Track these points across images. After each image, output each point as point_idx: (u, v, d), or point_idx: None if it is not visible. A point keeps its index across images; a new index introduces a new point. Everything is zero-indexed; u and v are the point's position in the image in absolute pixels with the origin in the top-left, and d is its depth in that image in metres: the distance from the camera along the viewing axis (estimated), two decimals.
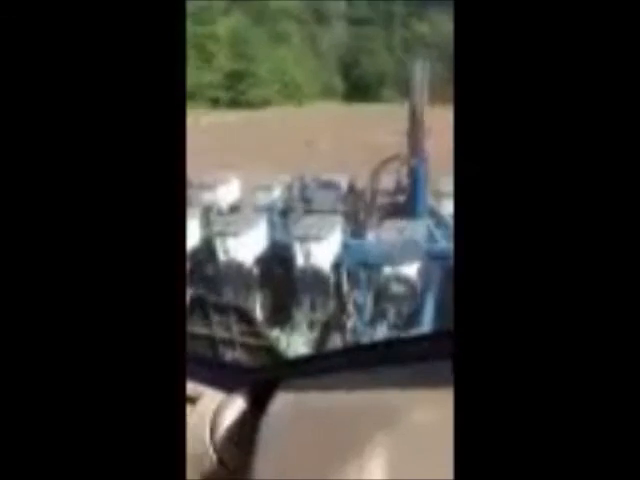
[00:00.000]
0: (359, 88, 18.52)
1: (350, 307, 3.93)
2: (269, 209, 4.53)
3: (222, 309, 3.13)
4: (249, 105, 16.56)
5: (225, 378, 0.78)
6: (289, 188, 4.96)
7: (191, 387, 0.76)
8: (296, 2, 18.81)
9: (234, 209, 4.84)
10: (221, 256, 3.85)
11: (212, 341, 3.10)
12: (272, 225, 4.27)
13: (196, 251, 4.04)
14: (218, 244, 3.85)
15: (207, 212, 4.42)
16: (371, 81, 18.87)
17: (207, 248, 4.01)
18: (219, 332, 3.09)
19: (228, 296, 3.81)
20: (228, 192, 4.93)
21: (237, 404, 0.74)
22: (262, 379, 0.75)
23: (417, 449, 0.48)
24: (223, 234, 3.86)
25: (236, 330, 2.97)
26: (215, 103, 16.55)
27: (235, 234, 3.84)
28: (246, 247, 3.89)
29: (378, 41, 19.76)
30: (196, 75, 15.18)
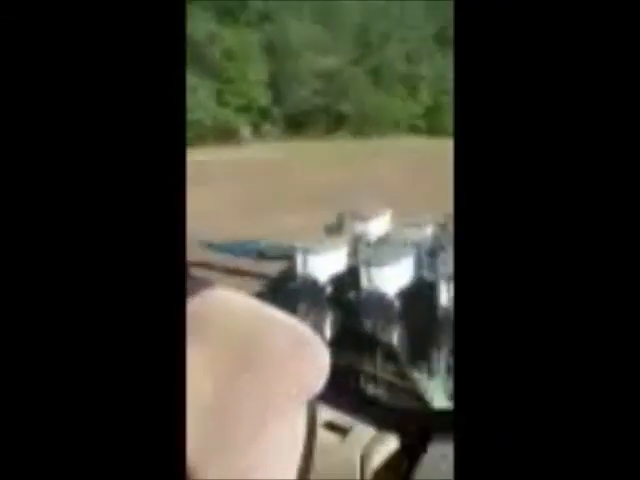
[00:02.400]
0: None
1: None
2: (418, 245, 4.09)
3: (369, 342, 2.77)
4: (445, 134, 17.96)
5: (374, 414, 0.88)
6: (442, 227, 4.49)
7: (342, 417, 0.86)
8: None
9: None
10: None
11: (356, 373, 2.73)
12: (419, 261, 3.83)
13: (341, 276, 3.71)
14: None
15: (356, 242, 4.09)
16: None
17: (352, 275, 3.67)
18: (364, 365, 2.72)
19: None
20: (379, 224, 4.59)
21: (389, 445, 0.82)
22: (415, 424, 0.85)
23: None
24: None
25: (380, 366, 2.56)
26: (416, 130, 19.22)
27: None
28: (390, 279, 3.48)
29: None
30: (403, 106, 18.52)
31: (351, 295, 4.34)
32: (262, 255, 3.10)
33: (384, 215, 5.94)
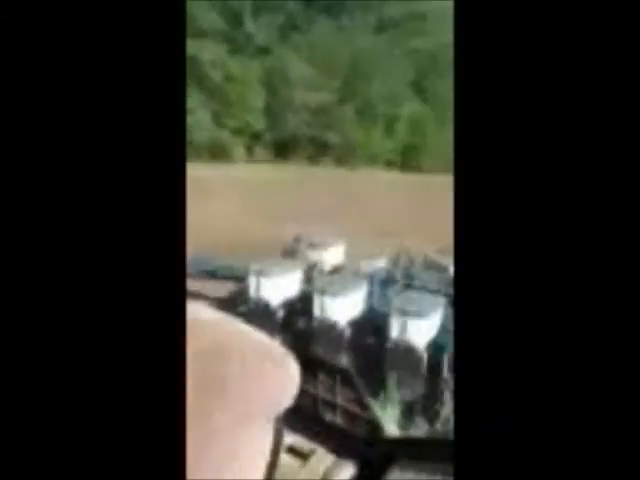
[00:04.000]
0: None
1: (447, 395, 3.13)
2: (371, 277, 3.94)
3: (326, 369, 2.58)
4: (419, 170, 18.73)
5: (333, 440, 0.72)
6: (394, 261, 4.36)
7: (303, 442, 0.71)
8: None
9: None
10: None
11: (314, 399, 2.54)
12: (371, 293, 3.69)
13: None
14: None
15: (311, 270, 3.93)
16: None
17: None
18: (322, 392, 2.53)
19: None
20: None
21: (348, 471, 0.68)
22: (374, 453, 0.69)
23: None
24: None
25: (340, 394, 2.37)
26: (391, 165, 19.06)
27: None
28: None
29: None
30: (380, 143, 18.13)
31: (302, 322, 4.08)
32: (213, 275, 2.81)
33: (339, 245, 5.69)
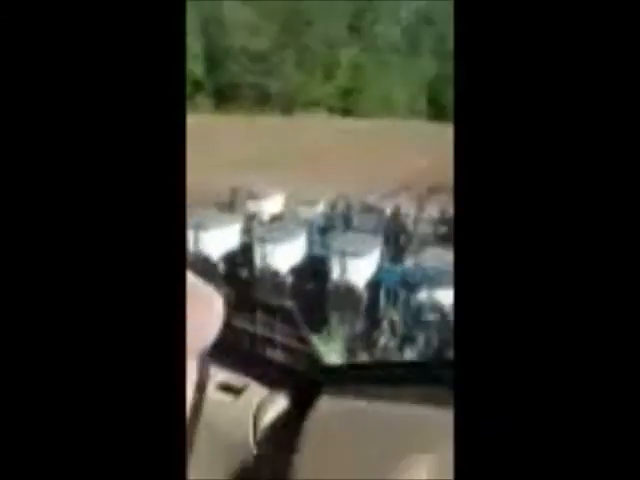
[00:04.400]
0: (442, 110, 19.16)
1: (384, 326, 3.31)
2: (310, 224, 3.97)
3: (268, 308, 2.61)
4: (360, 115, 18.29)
5: (268, 375, 0.73)
6: (332, 207, 4.39)
7: (236, 378, 0.71)
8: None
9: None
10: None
11: (253, 337, 2.58)
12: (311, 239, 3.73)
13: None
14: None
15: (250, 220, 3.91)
16: (450, 104, 19.46)
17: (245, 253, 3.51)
18: (261, 330, 2.58)
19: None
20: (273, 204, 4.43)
21: (281, 403, 0.69)
22: (305, 382, 0.71)
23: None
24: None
25: (278, 330, 2.42)
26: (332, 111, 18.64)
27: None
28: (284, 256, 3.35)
29: None
30: (322, 87, 17.56)
31: (244, 272, 4.10)
32: None
33: (278, 194, 5.64)
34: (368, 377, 0.67)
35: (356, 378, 0.69)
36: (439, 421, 0.53)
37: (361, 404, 0.63)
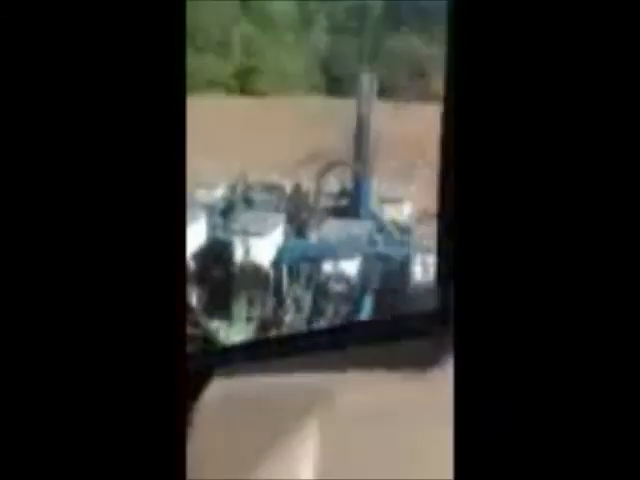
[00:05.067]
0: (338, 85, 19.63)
1: (288, 303, 3.36)
2: (210, 207, 3.88)
3: None
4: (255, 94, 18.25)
5: None
6: (232, 189, 4.31)
7: None
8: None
9: None
10: None
11: None
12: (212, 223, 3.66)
13: None
14: None
15: None
16: (345, 79, 19.92)
17: None
18: None
19: None
20: None
21: None
22: (197, 365, 0.69)
23: (347, 430, 0.47)
24: None
25: None
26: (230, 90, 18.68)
27: None
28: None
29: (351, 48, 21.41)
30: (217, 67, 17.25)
31: None
32: None
33: None
34: (269, 353, 0.67)
35: (256, 355, 0.69)
36: (321, 387, 0.54)
37: (257, 382, 0.62)
